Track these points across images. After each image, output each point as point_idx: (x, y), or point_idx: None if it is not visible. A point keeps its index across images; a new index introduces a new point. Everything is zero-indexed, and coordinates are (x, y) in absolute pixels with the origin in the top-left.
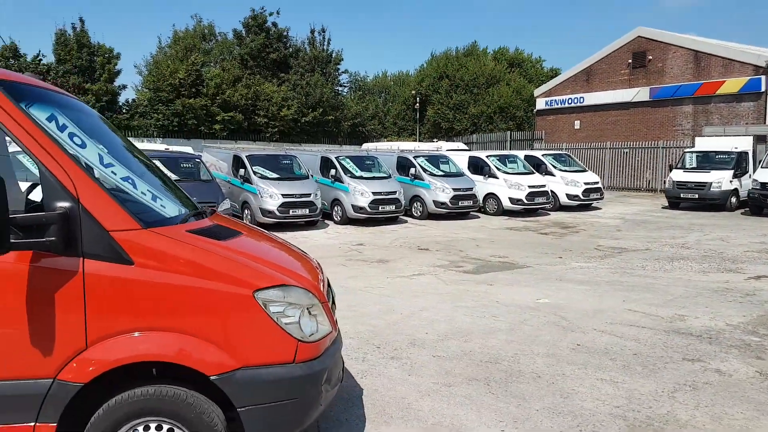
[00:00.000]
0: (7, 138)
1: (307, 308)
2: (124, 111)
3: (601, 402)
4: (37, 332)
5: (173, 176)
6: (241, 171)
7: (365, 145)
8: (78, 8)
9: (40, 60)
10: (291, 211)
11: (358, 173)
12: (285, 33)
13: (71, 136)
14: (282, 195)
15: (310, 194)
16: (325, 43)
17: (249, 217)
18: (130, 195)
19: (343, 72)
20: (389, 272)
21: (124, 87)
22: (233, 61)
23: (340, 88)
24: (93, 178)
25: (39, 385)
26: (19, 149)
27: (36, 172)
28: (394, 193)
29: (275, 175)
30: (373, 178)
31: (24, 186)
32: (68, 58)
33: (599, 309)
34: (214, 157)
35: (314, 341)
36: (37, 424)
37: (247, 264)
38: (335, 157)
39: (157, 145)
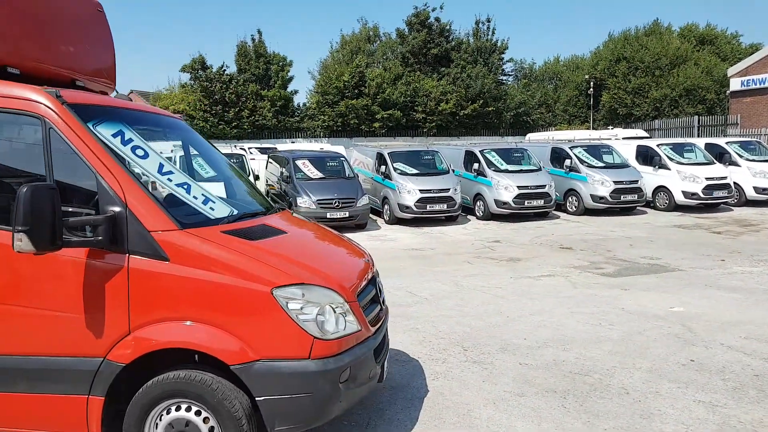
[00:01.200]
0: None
1: (331, 306)
2: (295, 114)
3: (684, 426)
4: (91, 317)
5: (319, 174)
6: (382, 167)
7: (529, 136)
8: (257, 21)
9: (225, 71)
10: (428, 206)
11: (503, 166)
12: (448, 27)
13: (134, 148)
14: (420, 190)
15: (448, 189)
16: (490, 33)
17: (388, 212)
18: (179, 198)
19: (507, 60)
20: (515, 272)
21: (296, 92)
22: (395, 60)
23: (504, 78)
24: (141, 185)
25: (92, 362)
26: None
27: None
28: (543, 186)
29: (415, 171)
30: (520, 171)
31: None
32: (248, 67)
33: (738, 321)
34: (363, 155)
35: (333, 339)
36: (90, 396)
37: (269, 262)
38: (479, 150)
39: (312, 145)
